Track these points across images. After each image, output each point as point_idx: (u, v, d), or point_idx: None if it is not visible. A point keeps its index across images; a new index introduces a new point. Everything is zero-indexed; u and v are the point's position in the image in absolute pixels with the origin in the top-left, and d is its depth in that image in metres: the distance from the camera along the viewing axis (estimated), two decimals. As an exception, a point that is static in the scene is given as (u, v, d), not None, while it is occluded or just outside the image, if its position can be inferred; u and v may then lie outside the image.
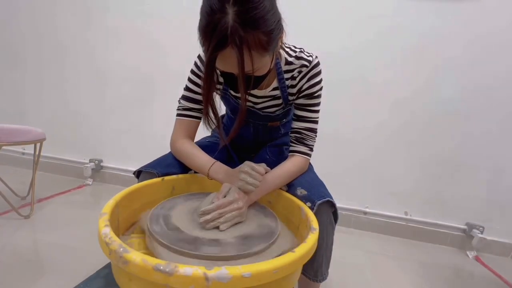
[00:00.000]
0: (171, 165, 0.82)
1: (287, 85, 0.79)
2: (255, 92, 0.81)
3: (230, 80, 0.65)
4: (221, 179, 0.74)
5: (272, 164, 0.89)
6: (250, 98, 0.83)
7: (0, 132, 1.26)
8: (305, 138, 0.81)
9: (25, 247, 1.22)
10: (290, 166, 0.78)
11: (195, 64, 0.81)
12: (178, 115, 0.84)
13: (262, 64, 0.60)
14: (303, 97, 0.78)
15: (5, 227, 1.34)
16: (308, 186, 0.75)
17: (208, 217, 0.60)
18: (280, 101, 0.83)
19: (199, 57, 0.81)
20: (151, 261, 0.41)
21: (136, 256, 0.42)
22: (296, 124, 0.81)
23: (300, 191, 0.74)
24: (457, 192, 1.68)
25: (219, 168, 0.76)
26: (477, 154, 1.62)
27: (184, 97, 0.83)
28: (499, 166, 1.61)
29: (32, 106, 2.06)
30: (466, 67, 1.56)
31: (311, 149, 0.82)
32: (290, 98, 0.82)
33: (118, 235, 0.49)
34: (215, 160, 0.77)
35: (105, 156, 2.05)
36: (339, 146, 1.71)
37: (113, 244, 0.45)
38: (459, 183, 1.67)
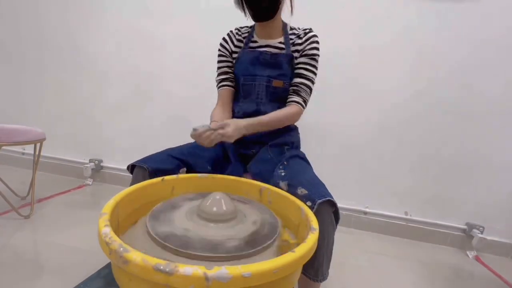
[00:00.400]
0: (164, 161, 0.83)
1: (293, 42, 0.99)
2: (265, 40, 1.01)
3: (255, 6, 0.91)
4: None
5: (273, 164, 0.89)
6: (260, 42, 1.02)
7: (0, 132, 1.27)
8: (300, 91, 0.97)
9: (25, 247, 1.22)
10: (285, 111, 0.95)
11: (221, 43, 1.06)
12: (217, 87, 1.08)
13: None
14: (304, 56, 0.97)
15: (5, 227, 1.34)
16: (309, 186, 0.75)
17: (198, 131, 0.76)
18: (283, 51, 0.99)
19: (223, 38, 1.06)
20: (151, 261, 0.41)
21: (136, 256, 0.42)
22: (295, 80, 0.98)
23: (301, 191, 0.74)
24: (457, 192, 1.68)
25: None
26: (477, 154, 1.62)
27: (217, 74, 1.07)
28: (499, 166, 1.61)
29: (32, 106, 2.06)
30: (466, 68, 1.56)
31: (305, 101, 0.99)
32: (295, 55, 0.98)
33: (118, 235, 0.49)
34: (213, 120, 0.96)
35: (105, 156, 2.05)
36: (339, 146, 1.71)
37: (113, 244, 0.45)
38: (459, 183, 1.67)
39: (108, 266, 0.74)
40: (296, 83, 0.98)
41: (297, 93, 0.97)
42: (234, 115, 1.04)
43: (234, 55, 1.05)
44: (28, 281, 1.02)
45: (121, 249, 0.43)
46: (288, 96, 0.99)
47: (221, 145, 0.96)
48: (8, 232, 1.30)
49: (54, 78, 1.99)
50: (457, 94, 1.59)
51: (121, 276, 0.49)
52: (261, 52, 0.99)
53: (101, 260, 0.70)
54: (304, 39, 0.97)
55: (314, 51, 0.96)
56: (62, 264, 1.13)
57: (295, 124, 1.06)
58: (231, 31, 1.07)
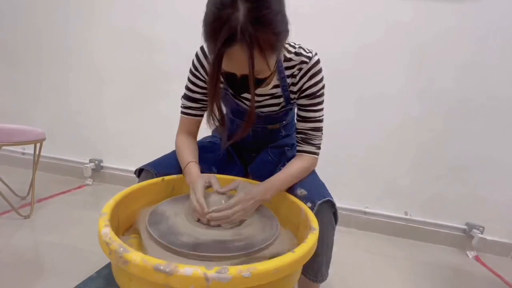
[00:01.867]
0: (171, 165, 0.82)
1: (288, 83, 0.78)
2: (256, 90, 0.76)
3: (232, 82, 0.64)
4: (188, 182, 0.74)
5: (274, 165, 0.89)
6: (249, 97, 0.83)
7: (0, 132, 1.26)
8: (311, 138, 0.80)
9: (25, 247, 1.21)
10: (301, 165, 0.78)
11: (193, 63, 0.79)
12: (180, 112, 0.86)
13: (268, 65, 0.58)
14: (305, 97, 0.77)
15: (5, 227, 1.34)
16: (309, 187, 0.75)
17: (218, 215, 0.61)
18: (281, 100, 0.82)
19: (196, 55, 0.78)
20: (151, 261, 0.41)
21: (136, 256, 0.42)
22: (301, 125, 0.80)
23: (300, 191, 0.74)
24: (457, 192, 1.68)
25: (189, 170, 0.75)
26: (477, 154, 1.62)
27: (184, 96, 0.84)
28: (499, 166, 1.61)
29: (32, 106, 2.06)
30: (466, 68, 1.56)
31: (319, 148, 0.81)
32: (292, 96, 0.80)
33: (118, 235, 0.49)
34: (191, 161, 0.77)
35: (105, 156, 2.05)
36: (339, 146, 1.71)
37: (113, 244, 0.45)
38: (459, 183, 1.67)
39: (108, 266, 0.74)
40: (304, 129, 0.80)
41: (307, 141, 0.80)
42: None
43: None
44: (28, 281, 1.02)
45: (121, 249, 0.43)
46: (297, 144, 0.82)
47: (226, 147, 0.96)
48: (8, 232, 1.30)
49: (54, 78, 1.99)
50: (457, 94, 1.59)
51: (121, 276, 0.49)
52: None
53: (101, 260, 0.70)
54: (298, 76, 0.75)
55: (317, 87, 0.75)
56: (62, 264, 1.13)
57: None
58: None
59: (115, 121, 1.98)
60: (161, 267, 0.39)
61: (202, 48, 0.78)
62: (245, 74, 0.58)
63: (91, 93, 1.97)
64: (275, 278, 0.44)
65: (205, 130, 1.05)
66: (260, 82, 0.65)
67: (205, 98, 0.81)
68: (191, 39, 1.79)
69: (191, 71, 0.80)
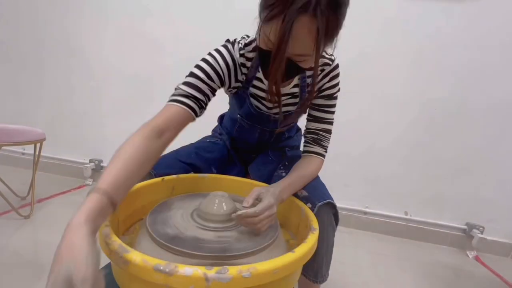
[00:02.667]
0: (170, 166, 0.82)
1: (307, 83, 0.78)
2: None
3: (266, 64, 0.59)
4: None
5: (274, 165, 0.88)
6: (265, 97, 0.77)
7: (0, 132, 1.26)
8: (322, 139, 0.80)
9: (25, 247, 1.21)
10: (313, 168, 0.77)
11: (212, 55, 0.70)
12: (170, 100, 0.68)
13: (317, 54, 0.56)
14: (322, 97, 0.77)
15: (5, 227, 1.34)
16: (309, 188, 0.74)
17: (248, 219, 0.57)
18: (297, 100, 0.81)
19: (220, 53, 0.71)
20: (151, 261, 0.41)
21: (136, 256, 0.42)
22: (313, 125, 0.80)
23: (301, 192, 0.74)
24: (457, 192, 1.68)
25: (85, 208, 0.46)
26: (477, 155, 1.62)
27: (185, 82, 0.69)
28: (499, 166, 1.61)
29: (32, 106, 2.06)
30: (467, 68, 1.56)
31: (326, 150, 0.81)
32: (308, 96, 0.78)
33: (118, 235, 0.49)
34: (103, 187, 0.46)
35: (105, 156, 2.05)
36: (339, 146, 1.71)
37: (113, 244, 0.45)
38: (459, 183, 1.67)
39: (108, 266, 0.74)
40: (316, 129, 0.79)
41: (317, 142, 0.79)
42: (232, 140, 0.94)
43: (230, 88, 0.79)
44: (28, 281, 1.02)
45: (121, 249, 0.43)
46: (306, 144, 0.80)
47: (225, 146, 0.96)
48: (8, 232, 1.30)
49: (54, 78, 1.99)
50: (457, 95, 1.59)
51: (121, 276, 0.49)
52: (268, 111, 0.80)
53: (101, 260, 0.70)
54: (320, 76, 0.75)
55: (335, 89, 0.77)
56: (62, 264, 1.13)
57: (298, 125, 1.03)
58: (238, 57, 0.72)
59: (115, 121, 1.98)
60: (161, 267, 0.39)
61: (227, 48, 0.72)
62: (290, 55, 0.56)
63: (91, 93, 1.97)
64: (275, 278, 0.44)
65: (205, 130, 1.06)
66: (293, 74, 0.65)
67: (209, 95, 0.71)
68: (192, 39, 1.79)
69: (207, 61, 0.70)
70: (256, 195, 0.62)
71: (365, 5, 1.57)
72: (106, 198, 0.44)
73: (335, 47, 0.64)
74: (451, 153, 1.65)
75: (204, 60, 0.71)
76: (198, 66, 0.70)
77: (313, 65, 0.61)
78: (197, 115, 0.69)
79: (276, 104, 0.73)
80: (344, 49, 1.68)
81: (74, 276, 0.33)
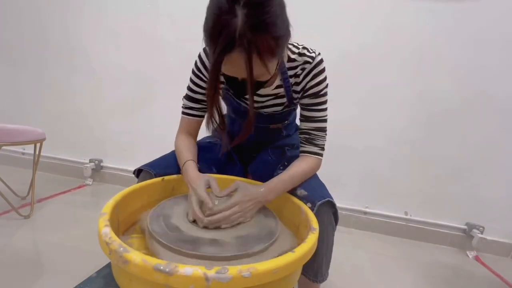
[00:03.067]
0: (170, 166, 0.82)
1: (291, 83, 0.77)
2: (259, 91, 0.75)
3: (233, 84, 0.64)
4: (186, 181, 0.73)
5: (274, 165, 0.88)
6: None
7: (0, 132, 1.26)
8: (315, 139, 0.79)
9: (25, 247, 1.22)
10: (305, 166, 0.77)
11: (196, 63, 0.79)
12: (182, 112, 0.86)
13: (269, 68, 0.58)
14: (308, 96, 0.76)
15: (5, 227, 1.34)
16: (308, 187, 0.74)
17: (214, 218, 0.60)
18: (283, 100, 0.81)
19: (199, 56, 0.79)
20: (151, 261, 0.41)
21: (136, 256, 0.42)
22: (304, 125, 0.80)
23: (300, 192, 0.74)
24: (457, 192, 1.68)
25: (186, 169, 0.75)
26: (477, 154, 1.62)
27: (186, 96, 0.84)
28: (499, 166, 1.61)
29: (32, 106, 2.06)
30: (466, 67, 1.56)
31: (322, 148, 0.80)
32: (295, 96, 0.80)
33: (118, 235, 0.49)
34: (188, 159, 0.76)
35: (105, 156, 2.05)
36: (339, 146, 1.71)
37: (113, 244, 0.45)
38: (459, 183, 1.67)
39: (108, 266, 0.74)
40: (307, 129, 0.79)
41: (310, 142, 0.79)
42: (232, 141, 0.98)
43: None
44: (28, 281, 1.02)
45: (121, 249, 0.43)
46: (301, 145, 0.81)
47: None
48: (8, 232, 1.30)
49: (54, 78, 1.99)
50: (457, 94, 1.59)
51: (121, 276, 0.49)
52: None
53: (101, 260, 0.70)
54: (302, 76, 0.75)
55: (321, 86, 0.75)
56: (62, 264, 1.13)
57: (297, 124, 1.04)
58: (206, 60, 0.79)
59: (115, 121, 1.98)
60: (161, 267, 0.39)
61: (205, 50, 0.78)
62: (246, 77, 0.58)
63: (91, 93, 1.97)
64: (275, 278, 0.44)
65: (205, 130, 1.05)
66: (260, 85, 0.65)
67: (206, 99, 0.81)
68: (192, 39, 1.78)
69: (193, 72, 0.80)
70: (233, 189, 0.67)
71: (363, 3, 1.57)
72: (193, 162, 0.77)
73: (292, 50, 0.73)
74: (451, 153, 1.65)
75: (192, 71, 0.81)
76: (190, 79, 0.82)
77: (270, 76, 0.62)
78: (203, 116, 0.84)
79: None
80: (342, 47, 1.68)
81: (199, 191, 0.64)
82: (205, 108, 0.83)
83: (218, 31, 0.51)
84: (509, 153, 1.59)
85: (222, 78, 0.77)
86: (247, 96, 0.79)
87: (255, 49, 0.52)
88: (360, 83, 1.66)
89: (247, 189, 0.67)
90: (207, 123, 0.73)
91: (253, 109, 0.64)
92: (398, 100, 1.65)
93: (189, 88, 0.82)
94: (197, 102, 0.82)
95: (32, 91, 2.04)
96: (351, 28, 1.62)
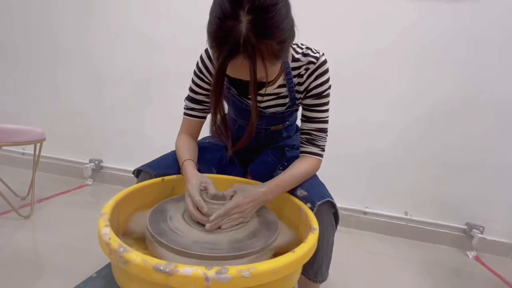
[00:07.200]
0: (170, 166, 0.82)
1: (294, 83, 0.77)
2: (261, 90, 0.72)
3: (236, 83, 0.64)
4: (185, 180, 0.73)
5: (273, 165, 0.88)
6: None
7: (0, 132, 1.26)
8: (316, 139, 0.79)
9: (25, 247, 1.22)
10: (306, 166, 0.77)
11: (197, 64, 0.79)
12: (183, 113, 0.87)
13: (272, 71, 0.58)
14: (311, 97, 0.76)
15: (5, 227, 1.34)
16: (308, 187, 0.74)
17: (213, 223, 0.60)
18: (286, 100, 0.81)
19: (201, 58, 0.78)
20: (151, 261, 0.41)
21: (136, 256, 0.42)
22: (306, 125, 0.79)
23: (300, 192, 0.74)
24: (457, 192, 1.68)
25: (184, 168, 0.75)
26: (477, 154, 1.62)
27: (187, 97, 0.85)
28: (499, 166, 1.61)
29: (32, 106, 2.06)
30: (466, 67, 1.56)
31: (323, 149, 0.80)
32: (298, 96, 0.79)
33: (118, 235, 0.49)
34: (187, 159, 0.77)
35: (105, 156, 2.05)
36: (339, 146, 1.71)
37: (113, 244, 0.45)
38: (459, 183, 1.67)
39: (108, 266, 0.74)
40: (309, 130, 0.79)
41: (311, 142, 0.79)
42: (232, 142, 0.96)
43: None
44: (28, 281, 1.02)
45: (121, 249, 0.43)
46: (301, 145, 0.81)
47: (224, 147, 0.96)
48: (8, 232, 1.30)
49: (54, 78, 1.99)
50: (457, 94, 1.59)
51: (121, 276, 0.49)
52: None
53: (101, 260, 0.70)
54: (305, 76, 0.75)
55: (324, 87, 0.75)
56: (62, 264, 1.13)
57: (298, 125, 1.03)
58: (208, 61, 0.78)
59: (115, 121, 1.98)
60: (161, 267, 0.39)
61: (206, 51, 0.77)
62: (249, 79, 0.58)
63: (91, 93, 1.98)
64: (275, 278, 0.44)
65: (205, 130, 1.05)
66: (264, 84, 0.64)
67: (208, 100, 0.82)
68: (192, 40, 1.79)
69: (195, 73, 0.80)
70: (232, 191, 0.67)
71: (363, 4, 1.57)
72: (191, 161, 0.77)
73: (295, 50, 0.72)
74: (451, 152, 1.65)
75: (194, 72, 0.81)
76: (192, 80, 0.82)
77: (273, 77, 0.64)
78: (205, 117, 0.87)
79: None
80: (344, 48, 1.68)
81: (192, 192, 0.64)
82: (206, 109, 0.84)
83: (222, 37, 0.51)
84: (509, 153, 1.59)
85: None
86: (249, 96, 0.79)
87: (259, 54, 0.52)
88: (360, 83, 1.66)
89: (247, 190, 0.67)
90: (211, 129, 0.74)
91: (256, 109, 0.64)
92: (398, 100, 1.65)
93: (190, 89, 0.83)
94: (199, 103, 0.83)
95: (32, 91, 2.04)
96: (351, 29, 1.61)
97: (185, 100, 0.85)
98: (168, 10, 1.77)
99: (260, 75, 0.55)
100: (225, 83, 0.77)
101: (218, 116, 0.69)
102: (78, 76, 1.96)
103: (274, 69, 0.59)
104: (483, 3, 1.47)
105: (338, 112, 1.67)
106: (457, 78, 1.57)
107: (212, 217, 0.59)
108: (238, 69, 0.56)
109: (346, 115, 1.69)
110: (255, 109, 0.63)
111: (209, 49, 0.58)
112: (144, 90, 1.90)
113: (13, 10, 1.94)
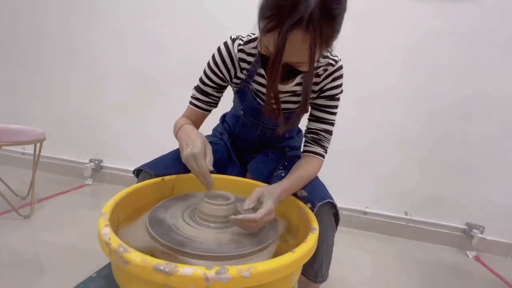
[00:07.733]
0: (170, 166, 0.81)
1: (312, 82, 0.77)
2: (280, 87, 0.71)
3: (266, 65, 0.60)
4: (181, 143, 0.69)
5: (273, 165, 0.88)
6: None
7: (0, 132, 1.26)
8: (322, 140, 0.80)
9: (25, 247, 1.22)
10: (312, 169, 0.77)
11: (214, 57, 0.78)
12: (189, 102, 0.86)
13: (315, 59, 0.57)
14: (324, 97, 0.78)
15: (5, 227, 1.34)
16: (309, 187, 0.74)
17: (246, 223, 0.57)
18: (299, 98, 0.81)
19: (219, 51, 0.77)
20: (151, 261, 0.41)
21: (136, 256, 0.42)
22: (314, 125, 0.80)
23: (300, 192, 0.74)
24: (457, 192, 1.68)
25: (183, 129, 0.73)
26: (477, 154, 1.62)
27: (196, 87, 0.84)
28: (499, 166, 1.61)
29: (32, 106, 2.06)
30: (466, 67, 1.56)
31: (326, 151, 0.81)
32: (311, 95, 0.79)
33: (118, 235, 0.49)
34: (185, 123, 0.76)
35: (105, 156, 2.05)
36: (339, 146, 1.71)
37: (113, 244, 0.45)
38: (459, 183, 1.67)
39: (108, 266, 0.74)
40: (316, 129, 0.79)
41: (317, 142, 0.79)
42: (233, 139, 0.96)
43: (232, 83, 0.84)
44: (28, 281, 1.02)
45: (121, 249, 0.43)
46: (306, 144, 0.81)
47: (225, 147, 0.96)
48: (8, 232, 1.30)
49: (54, 78, 1.99)
50: (457, 94, 1.59)
51: (121, 276, 0.49)
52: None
53: (101, 260, 0.70)
54: (323, 76, 0.76)
55: (338, 90, 0.78)
56: (62, 264, 1.13)
57: (300, 127, 1.03)
58: (236, 52, 0.76)
59: (115, 121, 1.98)
60: (161, 267, 0.39)
61: (226, 44, 0.77)
62: (288, 61, 0.57)
63: (91, 93, 1.97)
64: (275, 278, 0.44)
65: (205, 129, 1.05)
66: (295, 74, 0.63)
67: (216, 94, 0.83)
68: (192, 40, 1.79)
69: (209, 65, 0.79)
70: (257, 197, 0.61)
71: (362, 4, 1.57)
72: (190, 123, 0.78)
73: (332, 50, 0.67)
74: (451, 153, 1.65)
75: (207, 64, 0.80)
76: (204, 71, 0.81)
77: (314, 66, 0.61)
78: (209, 111, 0.85)
79: (275, 106, 0.71)
80: (344, 47, 1.67)
81: (194, 150, 0.63)
82: (212, 102, 0.84)
83: (288, 5, 0.50)
84: (509, 153, 1.59)
85: (239, 75, 0.80)
86: (264, 91, 0.80)
87: (319, 34, 0.52)
88: (360, 83, 1.66)
89: (272, 196, 0.63)
90: (264, 107, 0.71)
91: (309, 93, 0.68)
92: (399, 100, 1.65)
93: (200, 80, 0.82)
94: (206, 95, 0.82)
95: (32, 91, 2.04)
96: (350, 27, 1.61)
97: (193, 89, 0.85)
98: (169, 10, 1.77)
99: (305, 57, 0.55)
100: (243, 79, 0.80)
101: (272, 94, 0.66)
102: (78, 76, 1.96)
103: (320, 56, 0.59)
104: (482, 3, 1.47)
105: (338, 112, 1.68)
106: (457, 77, 1.58)
107: (240, 216, 0.56)
108: (290, 45, 0.53)
109: (346, 114, 1.69)
110: (309, 91, 0.67)
111: (261, 18, 0.56)
112: (144, 90, 1.90)
113: (14, 11, 1.94)
